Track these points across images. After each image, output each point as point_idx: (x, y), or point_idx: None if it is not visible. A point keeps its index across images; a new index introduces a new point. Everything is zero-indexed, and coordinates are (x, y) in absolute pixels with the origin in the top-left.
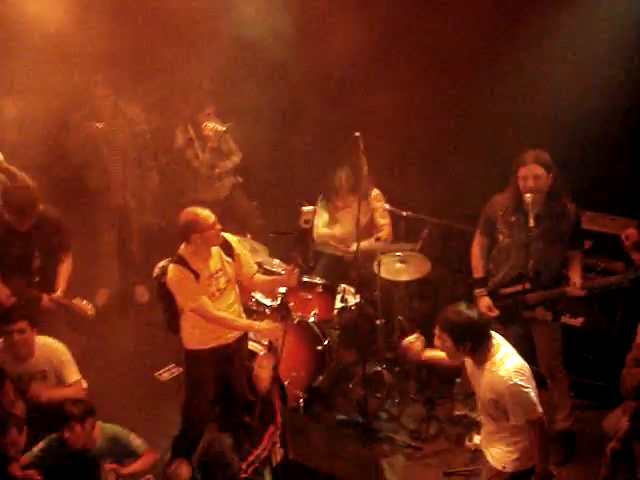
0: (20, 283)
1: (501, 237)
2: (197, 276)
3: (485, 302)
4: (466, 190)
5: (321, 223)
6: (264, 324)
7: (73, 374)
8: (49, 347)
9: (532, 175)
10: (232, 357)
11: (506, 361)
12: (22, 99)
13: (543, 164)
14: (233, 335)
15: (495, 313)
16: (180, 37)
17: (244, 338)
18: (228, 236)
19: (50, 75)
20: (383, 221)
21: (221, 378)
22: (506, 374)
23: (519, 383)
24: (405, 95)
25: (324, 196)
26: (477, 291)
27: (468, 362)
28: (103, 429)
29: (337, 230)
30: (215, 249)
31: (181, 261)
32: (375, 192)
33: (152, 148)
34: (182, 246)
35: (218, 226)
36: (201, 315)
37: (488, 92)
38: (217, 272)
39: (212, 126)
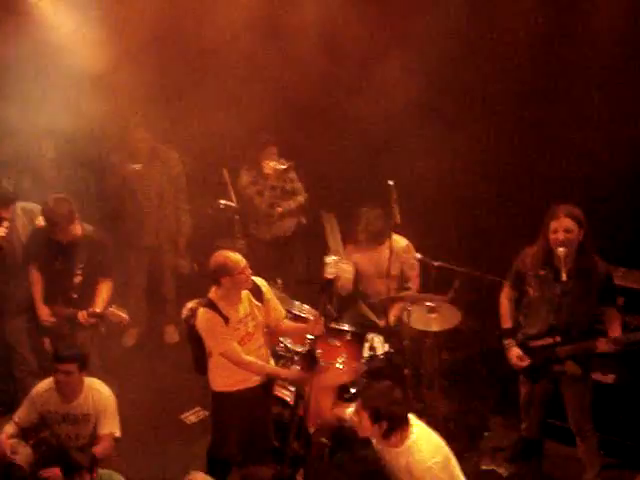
0: (59, 298)
1: (531, 291)
2: (227, 320)
3: (515, 352)
4: (497, 241)
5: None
6: (291, 371)
7: (111, 427)
8: (97, 392)
9: (563, 228)
10: (258, 401)
11: (422, 444)
12: (63, 140)
13: (575, 218)
14: (259, 379)
15: (526, 363)
16: (216, 80)
17: (271, 383)
18: (258, 280)
19: (89, 116)
20: (413, 272)
21: (246, 422)
22: (423, 458)
23: (435, 468)
24: (440, 144)
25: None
26: (506, 342)
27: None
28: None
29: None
30: (245, 293)
31: (211, 305)
32: (404, 242)
33: (187, 191)
34: (212, 289)
35: (248, 271)
36: (230, 359)
37: (517, 144)
38: (246, 316)
39: (272, 164)
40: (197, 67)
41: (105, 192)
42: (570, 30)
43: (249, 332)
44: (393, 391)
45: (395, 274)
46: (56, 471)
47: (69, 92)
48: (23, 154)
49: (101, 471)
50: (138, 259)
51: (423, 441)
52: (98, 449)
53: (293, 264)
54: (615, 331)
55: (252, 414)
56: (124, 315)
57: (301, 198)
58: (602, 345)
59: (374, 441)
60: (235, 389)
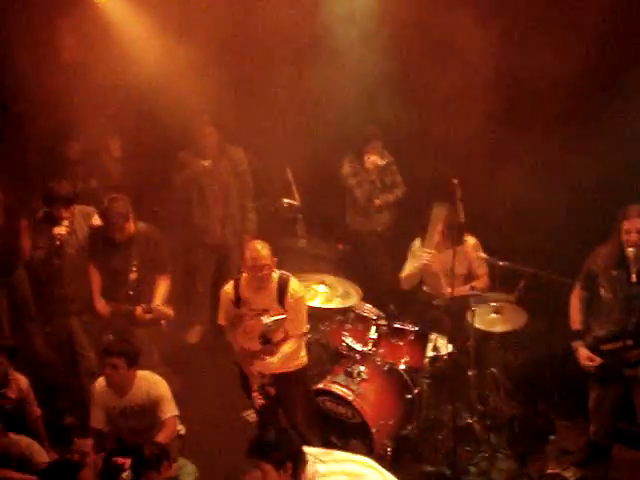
0: (116, 295)
1: (602, 291)
2: (239, 300)
3: (584, 353)
4: (565, 241)
5: (408, 269)
6: (254, 383)
7: (170, 410)
8: (148, 381)
9: (635, 229)
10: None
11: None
12: (127, 139)
13: None
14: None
15: (597, 362)
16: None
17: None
18: (294, 286)
19: (156, 115)
20: (480, 271)
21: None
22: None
23: None
24: (504, 146)
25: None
26: (575, 343)
27: None
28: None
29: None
30: (273, 290)
31: (236, 283)
32: (473, 241)
33: (253, 189)
34: None
35: (265, 270)
36: (225, 333)
37: (588, 147)
38: (264, 310)
39: (373, 159)
40: (270, 64)
41: (173, 188)
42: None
43: (259, 324)
44: (280, 431)
45: (462, 273)
46: (127, 461)
47: (138, 91)
48: (91, 153)
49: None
50: (205, 256)
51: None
52: (161, 436)
53: (378, 259)
54: None
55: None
56: (169, 311)
57: (399, 192)
58: None
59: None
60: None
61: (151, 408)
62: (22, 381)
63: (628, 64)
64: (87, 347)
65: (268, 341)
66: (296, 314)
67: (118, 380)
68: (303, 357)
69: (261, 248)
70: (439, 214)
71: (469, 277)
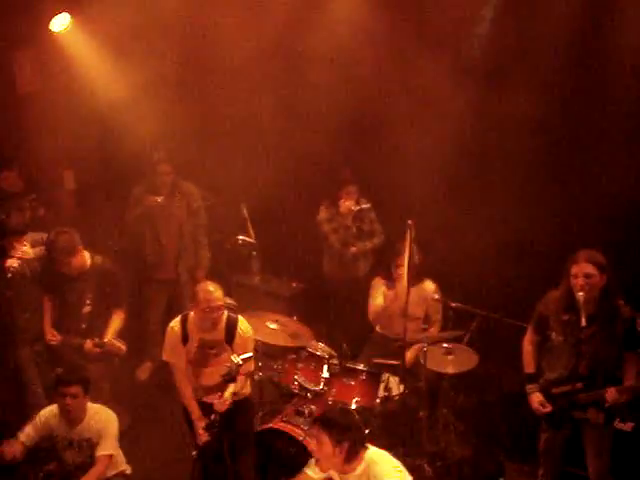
0: (69, 328)
1: (554, 335)
2: (186, 339)
3: (537, 398)
4: (517, 285)
5: (375, 307)
6: (199, 421)
7: (106, 448)
8: (100, 416)
9: (583, 274)
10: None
11: (378, 458)
12: (83, 171)
13: (596, 263)
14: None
15: (548, 409)
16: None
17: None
18: (242, 326)
19: (112, 148)
20: (435, 317)
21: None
22: (384, 470)
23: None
24: (463, 189)
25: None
26: (529, 387)
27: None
28: None
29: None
30: (221, 329)
31: (183, 320)
32: (432, 285)
33: (207, 226)
34: None
35: (218, 313)
36: (172, 370)
37: (540, 188)
38: (210, 348)
39: (348, 204)
40: (229, 99)
41: (126, 224)
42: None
43: (206, 362)
44: (350, 413)
45: (418, 316)
46: None
47: (91, 124)
48: (43, 185)
49: None
50: (156, 292)
51: (378, 456)
52: (91, 473)
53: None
54: (630, 379)
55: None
56: (122, 346)
57: (377, 240)
58: (611, 395)
59: (330, 472)
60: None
61: (95, 443)
62: None
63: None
64: (36, 381)
65: (232, 379)
66: (242, 354)
67: (75, 410)
68: (247, 386)
69: (214, 290)
70: (399, 250)
71: (425, 320)
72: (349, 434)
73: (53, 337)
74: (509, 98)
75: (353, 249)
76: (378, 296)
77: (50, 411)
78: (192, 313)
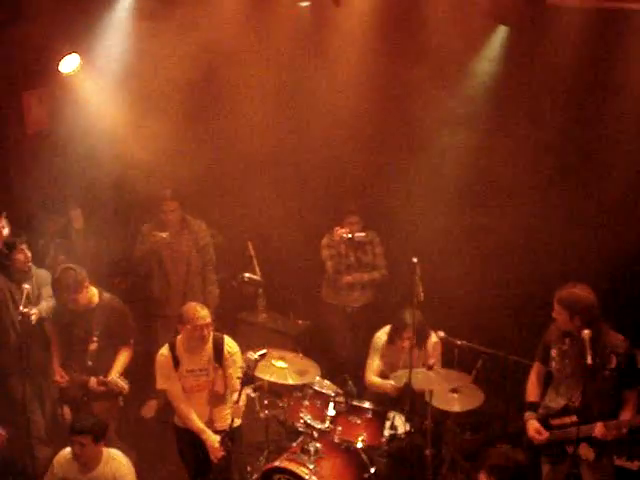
0: (75, 364)
1: (553, 364)
2: (177, 364)
3: (533, 426)
4: (522, 322)
5: (371, 369)
6: (212, 439)
7: None
8: (115, 461)
9: (555, 312)
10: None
11: None
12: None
13: (563, 304)
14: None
15: (543, 437)
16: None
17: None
18: (228, 343)
19: (121, 187)
20: (433, 359)
21: (193, 459)
22: None
23: None
24: (464, 222)
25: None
26: (526, 414)
27: None
28: None
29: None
30: (208, 349)
31: (172, 345)
32: (435, 339)
33: (215, 262)
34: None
35: (206, 330)
36: (168, 397)
37: (541, 221)
38: (200, 370)
39: (341, 231)
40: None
41: (134, 261)
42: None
43: (198, 385)
44: (515, 453)
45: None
46: None
47: (100, 163)
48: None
49: None
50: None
51: None
52: None
53: (340, 335)
54: (626, 415)
55: (198, 455)
56: (125, 385)
57: (377, 274)
58: (599, 431)
59: None
60: (182, 425)
61: None
62: None
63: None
64: (35, 411)
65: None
66: (235, 369)
67: (84, 457)
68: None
69: (200, 309)
70: (407, 322)
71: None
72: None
73: (61, 378)
74: (514, 126)
75: (348, 278)
76: (375, 363)
77: (63, 455)
78: (179, 338)
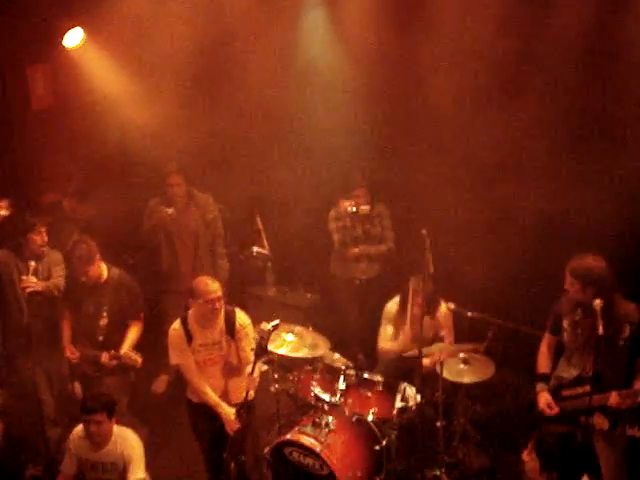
0: (86, 340)
1: (565, 335)
2: (190, 338)
3: (544, 398)
4: (534, 292)
5: (384, 336)
6: (228, 411)
7: (139, 472)
8: (125, 439)
9: (567, 283)
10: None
11: None
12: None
13: (575, 275)
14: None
15: (555, 410)
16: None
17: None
18: (240, 316)
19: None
20: (447, 340)
21: (207, 433)
22: None
23: None
24: (477, 194)
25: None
26: (538, 386)
27: None
28: None
29: (400, 342)
30: (220, 322)
31: (183, 320)
32: (445, 309)
33: (223, 236)
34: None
35: (218, 304)
36: (182, 373)
37: (556, 191)
38: (213, 344)
39: (346, 204)
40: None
41: (141, 236)
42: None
43: (211, 358)
44: (573, 441)
45: (429, 337)
46: None
47: (105, 139)
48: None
49: None
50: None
51: None
52: None
53: (349, 307)
54: (639, 384)
55: (213, 429)
56: (138, 358)
57: (384, 247)
58: (613, 399)
59: None
60: (196, 400)
61: (122, 467)
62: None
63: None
64: (45, 391)
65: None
66: (248, 342)
67: (100, 435)
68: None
69: (211, 282)
70: (416, 286)
71: (435, 338)
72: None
73: (72, 354)
74: (523, 104)
75: (355, 250)
76: (388, 331)
77: (76, 434)
78: (190, 312)
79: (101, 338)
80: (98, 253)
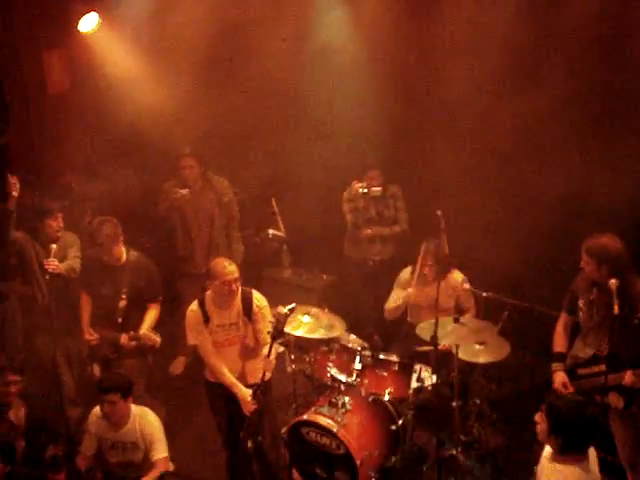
0: (104, 322)
1: (580, 314)
2: (207, 319)
3: (560, 378)
4: (551, 273)
5: (391, 299)
6: (244, 392)
7: (162, 451)
8: (144, 419)
9: (583, 261)
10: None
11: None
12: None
13: (591, 253)
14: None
15: (570, 390)
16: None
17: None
18: (257, 297)
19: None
20: (468, 304)
21: (224, 413)
22: None
23: None
24: (494, 176)
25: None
26: (554, 365)
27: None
28: None
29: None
30: (237, 303)
31: (201, 302)
32: (460, 276)
33: (239, 219)
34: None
35: (235, 285)
36: (199, 353)
37: (575, 175)
38: (230, 325)
39: (358, 186)
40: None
41: (157, 218)
42: None
43: (229, 339)
44: (583, 409)
45: (449, 306)
46: None
47: (121, 123)
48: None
49: None
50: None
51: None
52: (150, 476)
53: (363, 289)
54: None
55: (231, 409)
56: (157, 338)
57: (397, 228)
58: (628, 378)
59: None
60: (213, 380)
61: (143, 446)
62: (22, 410)
63: None
64: (65, 372)
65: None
66: (265, 324)
67: (116, 415)
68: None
69: (228, 264)
70: (427, 248)
71: (457, 310)
72: (565, 432)
73: (91, 336)
74: (541, 86)
75: (368, 231)
76: (400, 288)
77: (94, 414)
78: (208, 293)
79: (120, 320)
80: (122, 233)
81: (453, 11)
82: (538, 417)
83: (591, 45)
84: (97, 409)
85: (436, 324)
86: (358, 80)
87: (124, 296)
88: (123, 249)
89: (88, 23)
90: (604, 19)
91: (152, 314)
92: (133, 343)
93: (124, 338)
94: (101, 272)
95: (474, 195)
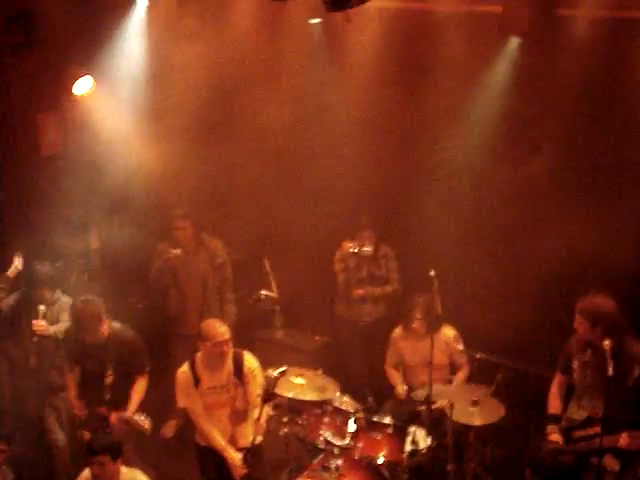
0: (93, 398)
1: (575, 375)
2: (198, 381)
3: (555, 439)
4: (544, 334)
5: (387, 360)
6: (234, 456)
7: None
8: None
9: (577, 322)
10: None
11: None
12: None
13: (584, 314)
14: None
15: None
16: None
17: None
18: (248, 359)
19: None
20: (462, 360)
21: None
22: None
23: None
24: (480, 238)
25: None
26: (549, 427)
27: None
28: None
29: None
30: (228, 365)
31: (192, 363)
32: (452, 332)
33: (232, 281)
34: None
35: (226, 347)
36: (190, 415)
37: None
38: (221, 387)
39: (349, 246)
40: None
41: (150, 280)
42: None
43: (219, 402)
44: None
45: (443, 363)
46: None
47: (114, 185)
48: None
49: None
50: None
51: None
52: None
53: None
54: None
55: (221, 474)
56: (146, 425)
57: (389, 288)
58: (624, 440)
59: None
60: (204, 444)
61: None
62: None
63: None
64: (56, 430)
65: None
66: (256, 386)
67: (105, 476)
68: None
69: (219, 325)
70: (417, 302)
71: (451, 368)
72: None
73: (80, 412)
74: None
75: (359, 291)
76: (395, 346)
77: (84, 476)
78: (199, 355)
79: (108, 397)
80: (105, 312)
81: (445, 82)
82: None
83: (584, 109)
84: (87, 471)
85: (429, 379)
86: (353, 140)
87: (110, 372)
88: (106, 324)
89: (83, 86)
90: (596, 86)
91: (140, 388)
92: (123, 425)
93: (114, 418)
94: (83, 349)
95: (468, 257)
